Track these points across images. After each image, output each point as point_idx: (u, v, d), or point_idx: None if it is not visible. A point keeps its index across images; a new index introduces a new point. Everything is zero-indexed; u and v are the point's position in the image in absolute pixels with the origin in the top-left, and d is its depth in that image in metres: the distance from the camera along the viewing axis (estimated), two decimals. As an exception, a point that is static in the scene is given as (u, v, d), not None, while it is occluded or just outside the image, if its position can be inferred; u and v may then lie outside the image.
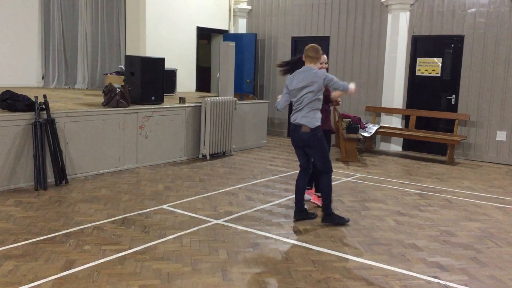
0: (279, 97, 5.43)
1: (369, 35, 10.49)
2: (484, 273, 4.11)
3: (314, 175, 5.75)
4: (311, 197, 6.13)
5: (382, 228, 5.22)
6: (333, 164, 8.42)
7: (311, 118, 5.07)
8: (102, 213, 5.34)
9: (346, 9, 10.76)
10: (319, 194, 5.77)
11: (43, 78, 12.17)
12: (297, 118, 5.15)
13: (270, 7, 12.03)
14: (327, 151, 5.24)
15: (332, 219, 5.24)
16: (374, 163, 8.79)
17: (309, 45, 5.23)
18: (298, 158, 5.43)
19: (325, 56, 5.70)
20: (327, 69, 5.82)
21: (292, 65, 5.57)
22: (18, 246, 4.32)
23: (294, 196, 5.48)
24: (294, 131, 5.22)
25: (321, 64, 5.53)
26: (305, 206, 5.49)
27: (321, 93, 5.14)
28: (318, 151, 5.14)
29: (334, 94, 5.61)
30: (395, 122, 10.23)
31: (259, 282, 3.78)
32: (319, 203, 5.83)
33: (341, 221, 5.26)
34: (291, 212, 5.63)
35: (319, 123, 5.13)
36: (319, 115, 5.15)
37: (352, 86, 5.16)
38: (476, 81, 9.32)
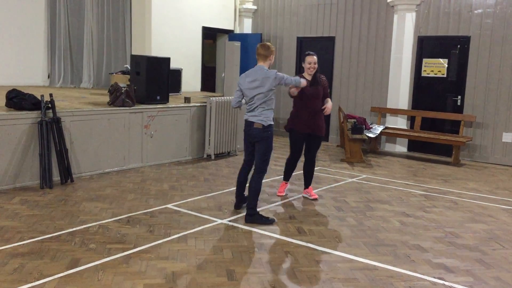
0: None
1: (374, 36, 10.46)
2: (489, 275, 4.10)
3: (306, 173, 6.24)
4: (310, 194, 6.28)
5: (387, 229, 5.21)
6: (337, 164, 8.42)
7: (264, 117, 5.23)
8: (107, 212, 5.35)
9: (352, 10, 10.74)
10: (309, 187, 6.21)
11: (49, 77, 12.21)
12: (249, 117, 5.29)
13: (275, 7, 12.02)
14: (270, 152, 5.39)
15: (256, 219, 5.19)
16: (379, 164, 8.77)
17: (260, 43, 5.49)
18: (245, 152, 5.53)
19: (314, 56, 5.90)
20: (316, 69, 5.89)
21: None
22: (23, 244, 4.34)
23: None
24: (247, 127, 5.34)
25: (309, 64, 5.83)
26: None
27: (273, 93, 5.26)
28: (263, 148, 5.29)
29: (291, 90, 5.75)
30: (401, 123, 10.20)
31: (263, 282, 3.78)
32: (312, 196, 6.23)
33: (265, 221, 5.18)
34: (296, 213, 5.63)
35: (271, 122, 5.30)
36: (271, 114, 5.31)
37: (303, 81, 5.53)
38: (482, 82, 9.28)
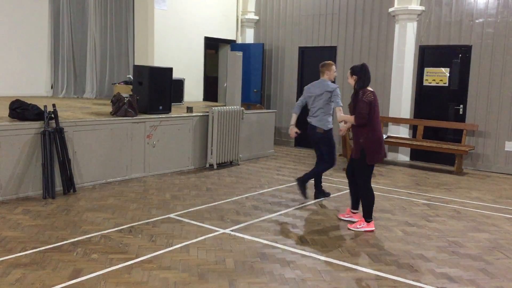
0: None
1: (376, 45, 10.50)
2: (493, 285, 4.07)
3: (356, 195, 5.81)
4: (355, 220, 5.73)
5: (389, 238, 5.19)
6: (339, 174, 8.41)
7: (324, 122, 6.49)
8: (109, 222, 5.35)
9: (354, 19, 10.79)
10: (356, 211, 5.79)
11: (52, 87, 12.29)
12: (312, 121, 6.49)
13: (277, 17, 12.09)
14: (334, 148, 6.59)
15: (301, 186, 6.57)
16: (381, 173, 8.76)
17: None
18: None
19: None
20: (355, 86, 5.57)
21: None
22: (26, 254, 4.34)
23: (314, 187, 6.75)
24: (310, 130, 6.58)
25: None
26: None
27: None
28: (325, 148, 6.55)
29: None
30: (403, 132, 10.20)
31: (266, 292, 3.76)
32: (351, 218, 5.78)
33: (304, 193, 6.60)
34: (298, 222, 5.62)
35: (331, 126, 6.50)
36: (330, 119, 6.51)
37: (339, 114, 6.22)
38: (484, 91, 9.29)
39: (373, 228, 5.40)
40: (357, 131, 5.43)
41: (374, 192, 5.59)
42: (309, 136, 6.65)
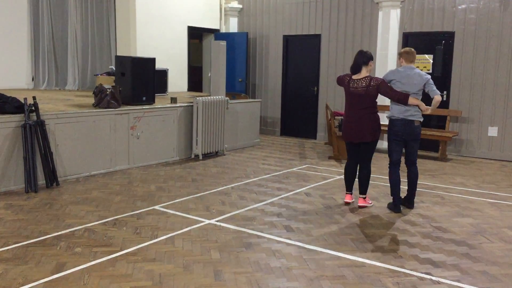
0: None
1: (360, 33, 10.49)
2: (476, 269, 4.12)
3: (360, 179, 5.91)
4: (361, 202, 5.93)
5: (374, 225, 5.22)
6: (325, 162, 8.44)
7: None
8: (93, 215, 5.29)
9: (337, 7, 10.76)
10: (364, 196, 5.90)
11: (33, 79, 12.08)
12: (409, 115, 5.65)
13: (261, 6, 12.00)
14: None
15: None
16: (366, 161, 8.78)
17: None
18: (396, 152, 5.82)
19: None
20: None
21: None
22: (8, 249, 4.27)
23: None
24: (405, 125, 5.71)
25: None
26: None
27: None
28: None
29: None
30: (387, 119, 10.21)
31: (251, 282, 3.76)
32: (367, 203, 5.91)
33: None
34: (284, 211, 5.62)
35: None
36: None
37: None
38: (467, 77, 9.35)
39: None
40: (369, 113, 5.72)
41: (358, 179, 5.72)
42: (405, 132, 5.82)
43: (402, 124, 5.65)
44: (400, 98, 5.56)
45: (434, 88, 5.59)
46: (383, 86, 5.61)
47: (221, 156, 8.84)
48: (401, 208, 5.78)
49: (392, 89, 5.61)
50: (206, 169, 7.76)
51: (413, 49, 5.79)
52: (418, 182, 5.96)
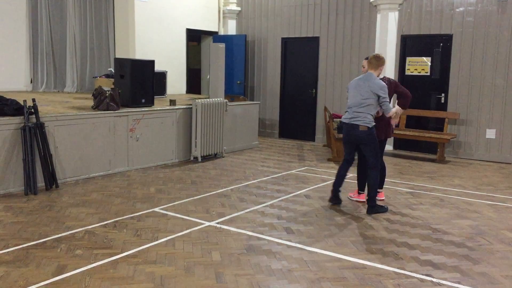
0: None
1: (358, 35, 10.52)
2: (476, 270, 4.13)
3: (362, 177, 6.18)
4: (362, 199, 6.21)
5: (374, 227, 5.23)
6: (324, 164, 8.45)
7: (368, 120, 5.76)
8: (93, 217, 5.29)
9: (335, 10, 10.79)
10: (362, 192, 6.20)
11: (31, 82, 12.06)
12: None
13: (259, 8, 12.03)
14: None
15: (377, 209, 5.75)
16: (365, 163, 8.80)
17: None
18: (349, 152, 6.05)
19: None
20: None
21: None
22: (8, 252, 4.27)
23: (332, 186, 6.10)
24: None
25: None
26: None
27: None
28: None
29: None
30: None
31: (253, 284, 3.77)
32: (360, 199, 6.23)
33: (383, 210, 5.79)
34: (284, 213, 5.63)
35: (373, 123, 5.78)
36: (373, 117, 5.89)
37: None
38: (465, 80, 9.39)
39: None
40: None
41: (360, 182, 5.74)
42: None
43: (347, 128, 5.84)
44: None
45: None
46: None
47: (220, 158, 8.85)
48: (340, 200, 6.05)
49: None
50: (205, 171, 7.76)
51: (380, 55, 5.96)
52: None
